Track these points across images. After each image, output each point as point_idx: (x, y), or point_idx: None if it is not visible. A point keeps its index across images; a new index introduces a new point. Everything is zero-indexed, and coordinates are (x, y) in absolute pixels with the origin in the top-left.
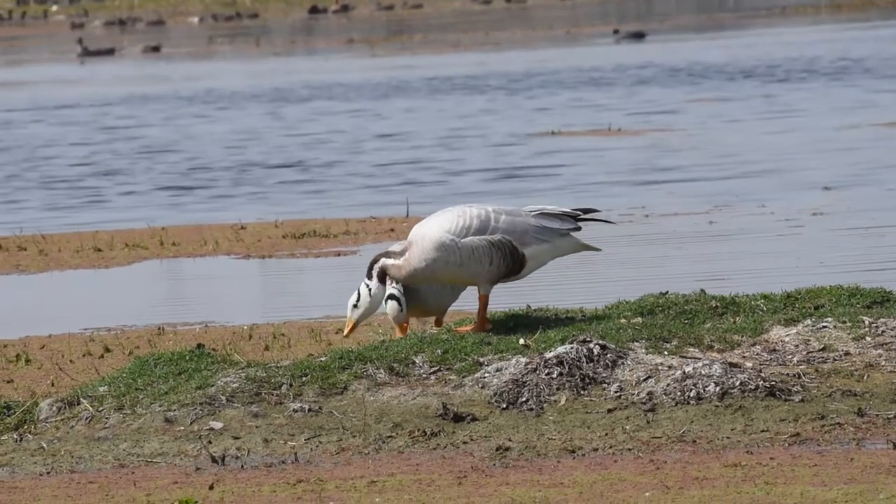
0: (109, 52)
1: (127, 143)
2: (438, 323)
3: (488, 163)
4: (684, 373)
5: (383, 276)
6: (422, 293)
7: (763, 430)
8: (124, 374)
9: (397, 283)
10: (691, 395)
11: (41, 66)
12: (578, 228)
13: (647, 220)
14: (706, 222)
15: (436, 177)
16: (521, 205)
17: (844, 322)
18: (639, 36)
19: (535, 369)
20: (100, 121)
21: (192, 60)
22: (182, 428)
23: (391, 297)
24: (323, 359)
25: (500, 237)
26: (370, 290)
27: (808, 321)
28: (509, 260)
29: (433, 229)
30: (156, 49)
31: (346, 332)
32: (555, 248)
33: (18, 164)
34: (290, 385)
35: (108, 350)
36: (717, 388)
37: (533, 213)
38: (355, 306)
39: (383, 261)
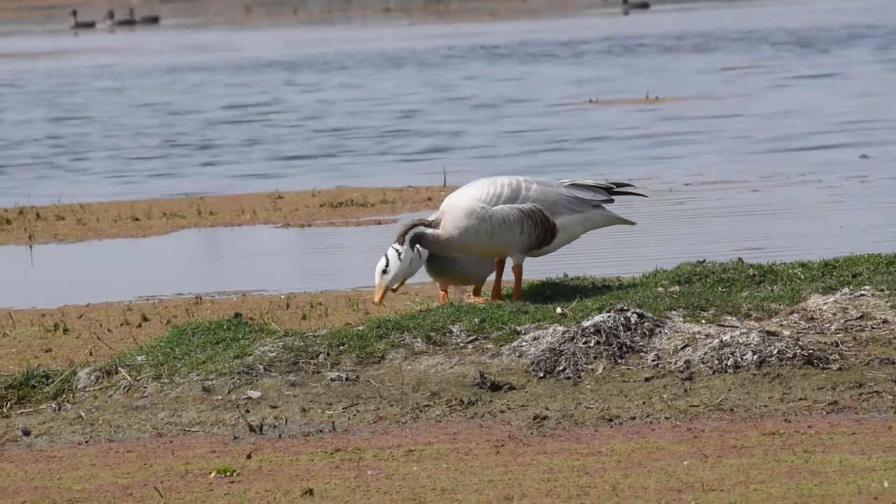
0: (91, 24)
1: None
2: (477, 292)
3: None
4: (722, 341)
5: (415, 242)
6: (462, 262)
7: (801, 399)
8: (162, 344)
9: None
10: (729, 363)
11: (80, 35)
12: (611, 201)
13: (688, 188)
14: (750, 190)
15: (463, 148)
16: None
17: (882, 290)
18: (643, 6)
19: (573, 338)
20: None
21: (230, 30)
22: (220, 397)
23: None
24: (360, 328)
25: (531, 206)
26: (399, 253)
27: (846, 289)
28: (540, 229)
29: (465, 198)
30: (154, 20)
31: (376, 298)
32: (586, 219)
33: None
34: (328, 354)
35: (145, 319)
36: (755, 357)
37: (565, 184)
38: (384, 272)
39: (421, 227)
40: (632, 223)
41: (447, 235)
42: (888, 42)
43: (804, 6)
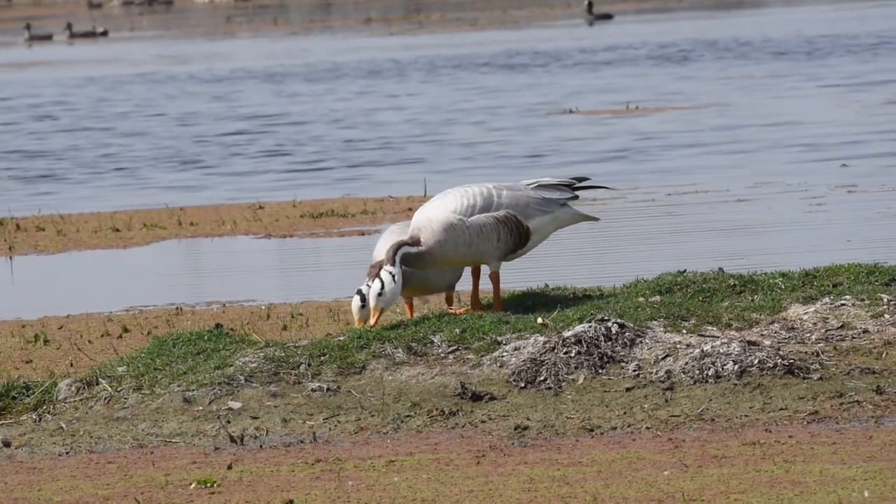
0: (48, 37)
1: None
2: (449, 300)
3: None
4: (703, 351)
5: (402, 263)
6: (422, 272)
7: (781, 409)
8: (143, 355)
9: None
10: (710, 373)
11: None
12: (576, 197)
13: (669, 198)
14: (734, 200)
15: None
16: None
17: (863, 300)
18: (607, 17)
19: (554, 348)
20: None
21: (210, 40)
22: (201, 408)
23: (358, 292)
24: (341, 338)
25: (505, 212)
26: (393, 276)
27: (827, 299)
28: (516, 234)
29: (440, 212)
30: (104, 34)
31: (372, 321)
32: (555, 218)
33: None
34: (309, 365)
35: (126, 330)
36: (736, 367)
37: (531, 186)
38: (380, 294)
39: (406, 247)
40: (595, 219)
41: (429, 249)
42: (871, 51)
43: (767, 17)
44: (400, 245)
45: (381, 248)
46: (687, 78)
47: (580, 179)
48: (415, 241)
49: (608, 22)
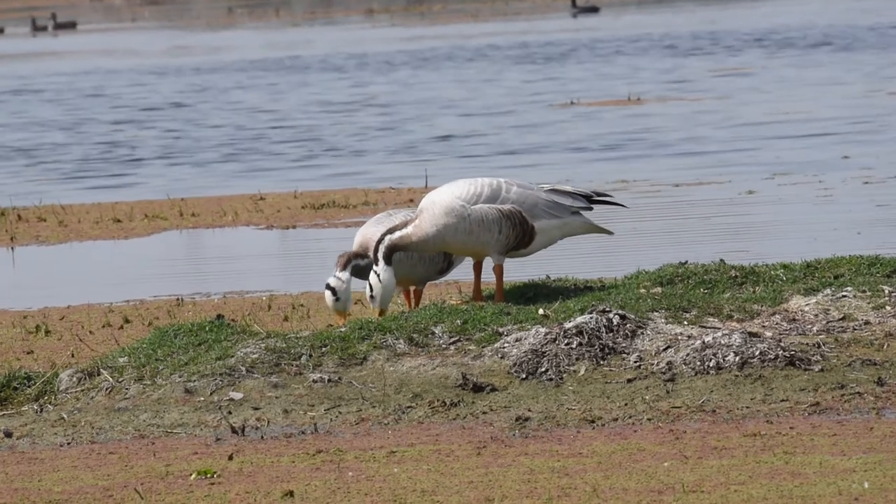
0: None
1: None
2: (417, 294)
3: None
4: (704, 342)
5: (390, 256)
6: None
7: (782, 400)
8: (144, 345)
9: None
10: (711, 364)
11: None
12: (590, 208)
13: (678, 189)
14: (746, 191)
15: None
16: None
17: (864, 291)
18: (593, 10)
19: (555, 339)
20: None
21: (211, 31)
22: (202, 398)
23: (328, 286)
24: (342, 329)
25: (510, 207)
26: (378, 275)
27: (828, 290)
28: (519, 230)
29: (444, 196)
30: (72, 25)
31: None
32: (565, 224)
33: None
34: (310, 355)
35: (127, 321)
36: (737, 358)
37: (545, 189)
38: (371, 297)
39: (388, 238)
40: (609, 233)
41: (422, 233)
42: (863, 44)
43: (758, 9)
44: (381, 238)
45: (359, 237)
46: (685, 69)
47: (600, 194)
48: (400, 226)
49: (594, 15)
